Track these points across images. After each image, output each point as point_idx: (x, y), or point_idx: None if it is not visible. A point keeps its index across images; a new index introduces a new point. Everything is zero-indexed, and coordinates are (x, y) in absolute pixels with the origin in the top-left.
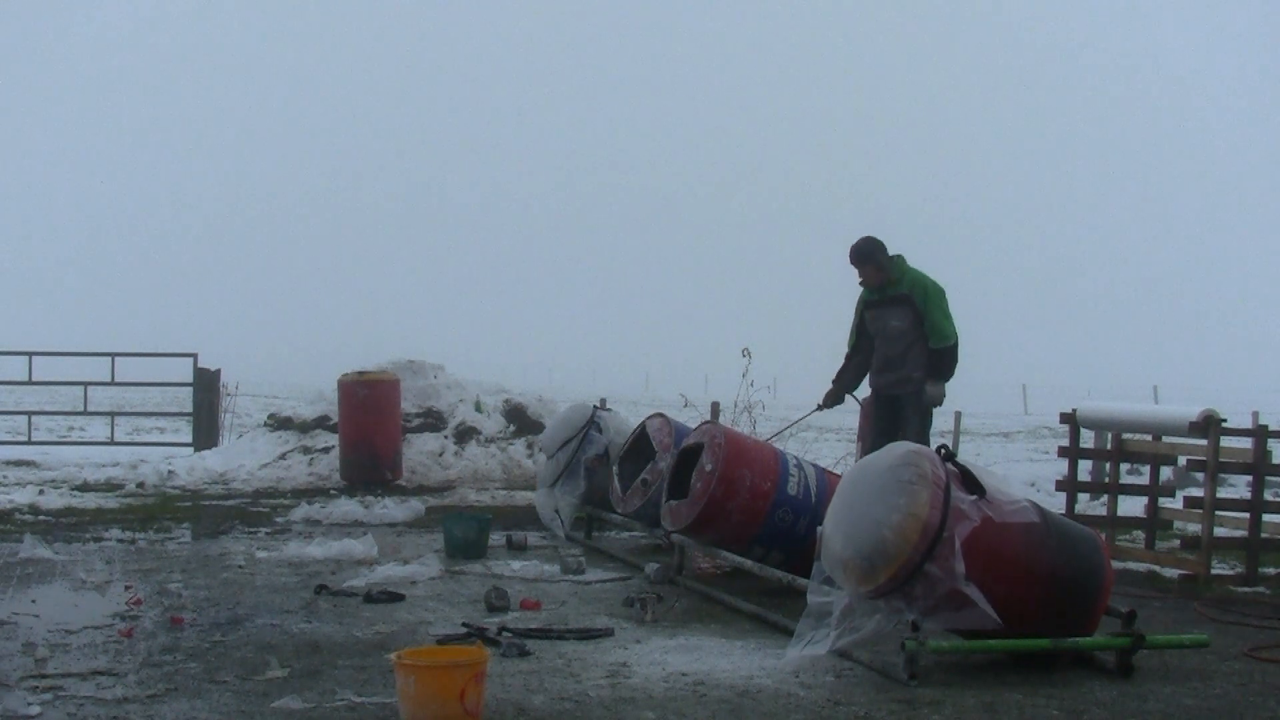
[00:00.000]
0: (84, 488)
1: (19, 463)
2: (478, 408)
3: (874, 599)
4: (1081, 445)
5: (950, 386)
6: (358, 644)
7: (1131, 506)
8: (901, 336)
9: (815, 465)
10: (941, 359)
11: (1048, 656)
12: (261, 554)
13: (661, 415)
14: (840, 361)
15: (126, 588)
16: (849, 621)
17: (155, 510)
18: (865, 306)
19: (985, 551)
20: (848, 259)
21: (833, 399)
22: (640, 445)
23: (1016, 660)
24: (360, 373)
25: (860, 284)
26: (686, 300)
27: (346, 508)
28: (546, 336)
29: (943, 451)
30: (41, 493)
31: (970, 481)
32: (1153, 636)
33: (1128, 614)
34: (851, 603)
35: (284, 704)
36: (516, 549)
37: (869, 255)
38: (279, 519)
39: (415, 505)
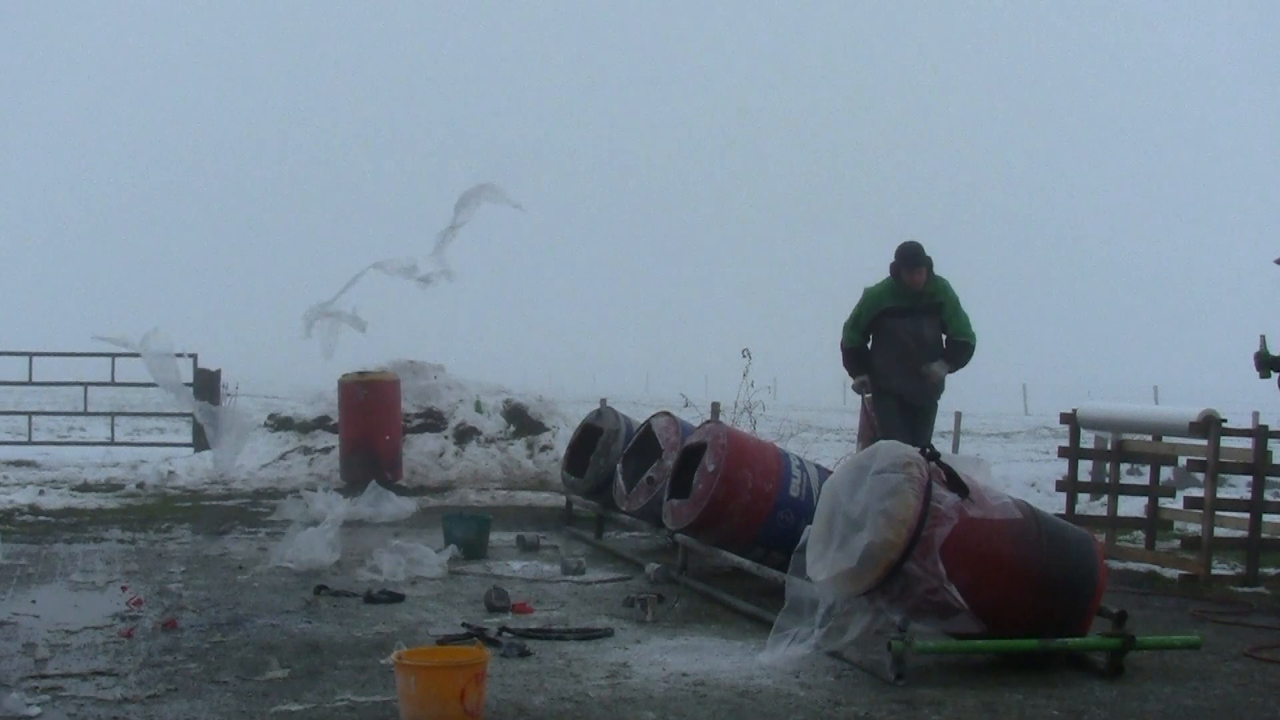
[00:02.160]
0: (84, 488)
1: (19, 463)
2: (478, 408)
3: (859, 598)
4: (1081, 445)
5: (950, 386)
6: (358, 644)
7: (1131, 507)
8: (935, 345)
9: (818, 466)
10: (961, 350)
11: (1040, 657)
12: (262, 554)
13: (668, 414)
14: (837, 352)
15: (124, 589)
16: (835, 621)
17: (155, 510)
18: (886, 314)
19: (973, 553)
20: (900, 259)
21: (868, 389)
22: (644, 443)
23: (1015, 661)
24: (360, 373)
25: (910, 283)
26: (686, 300)
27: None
28: (546, 336)
29: (927, 451)
30: (42, 493)
31: (955, 482)
32: (1143, 637)
33: (1118, 615)
34: (837, 601)
35: (284, 704)
36: (529, 549)
37: (925, 258)
38: (279, 519)
39: (415, 505)
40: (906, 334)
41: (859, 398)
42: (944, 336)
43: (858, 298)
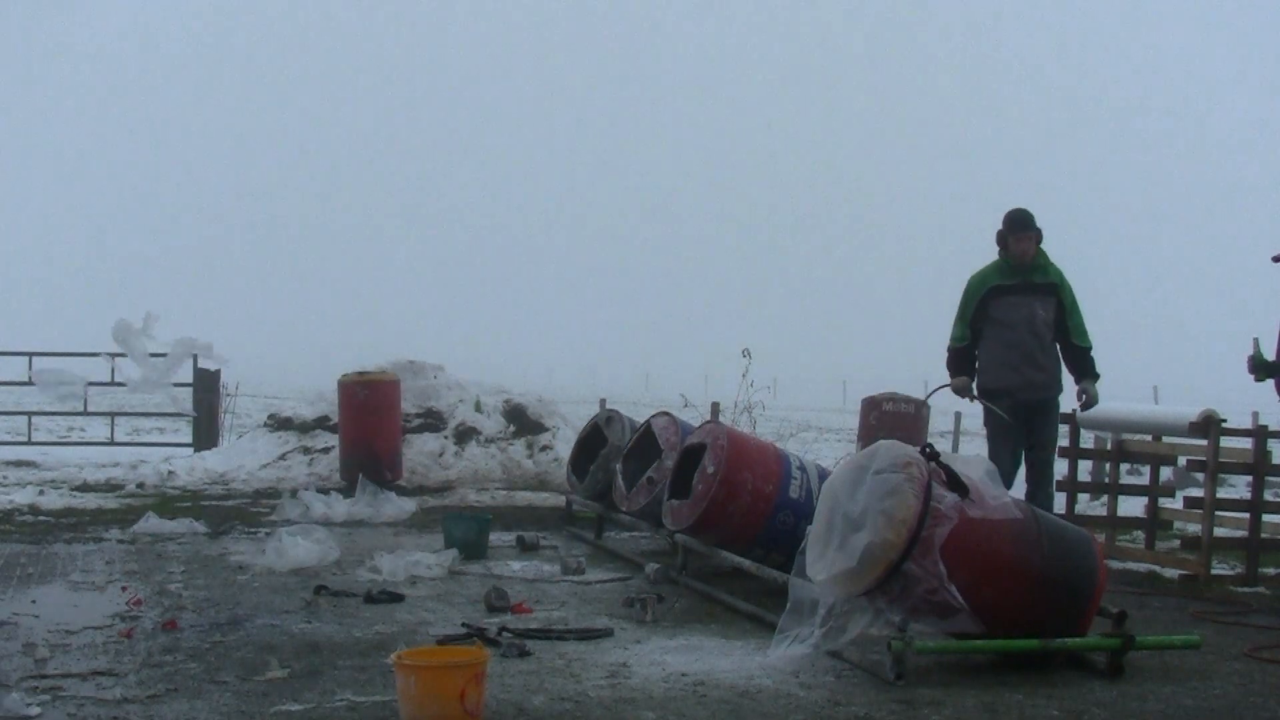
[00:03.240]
0: (84, 488)
1: (19, 463)
2: (477, 408)
3: (859, 598)
4: (1081, 445)
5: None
6: (358, 644)
7: (1131, 507)
8: (1048, 330)
9: (819, 466)
10: (1091, 361)
11: (1040, 657)
12: (261, 554)
13: (667, 414)
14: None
15: (124, 589)
16: (835, 621)
17: (155, 510)
18: (994, 292)
19: (973, 553)
20: (1008, 225)
21: (970, 392)
22: (644, 443)
23: (1015, 661)
24: (360, 373)
25: (1010, 257)
26: (686, 300)
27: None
28: (546, 336)
29: (927, 450)
30: (42, 493)
31: (955, 482)
32: (1143, 637)
33: (1118, 615)
34: (836, 602)
35: (284, 704)
36: (529, 549)
37: (1033, 222)
38: (279, 519)
39: (415, 505)
40: (1019, 316)
41: (859, 397)
42: (1059, 343)
43: (959, 295)
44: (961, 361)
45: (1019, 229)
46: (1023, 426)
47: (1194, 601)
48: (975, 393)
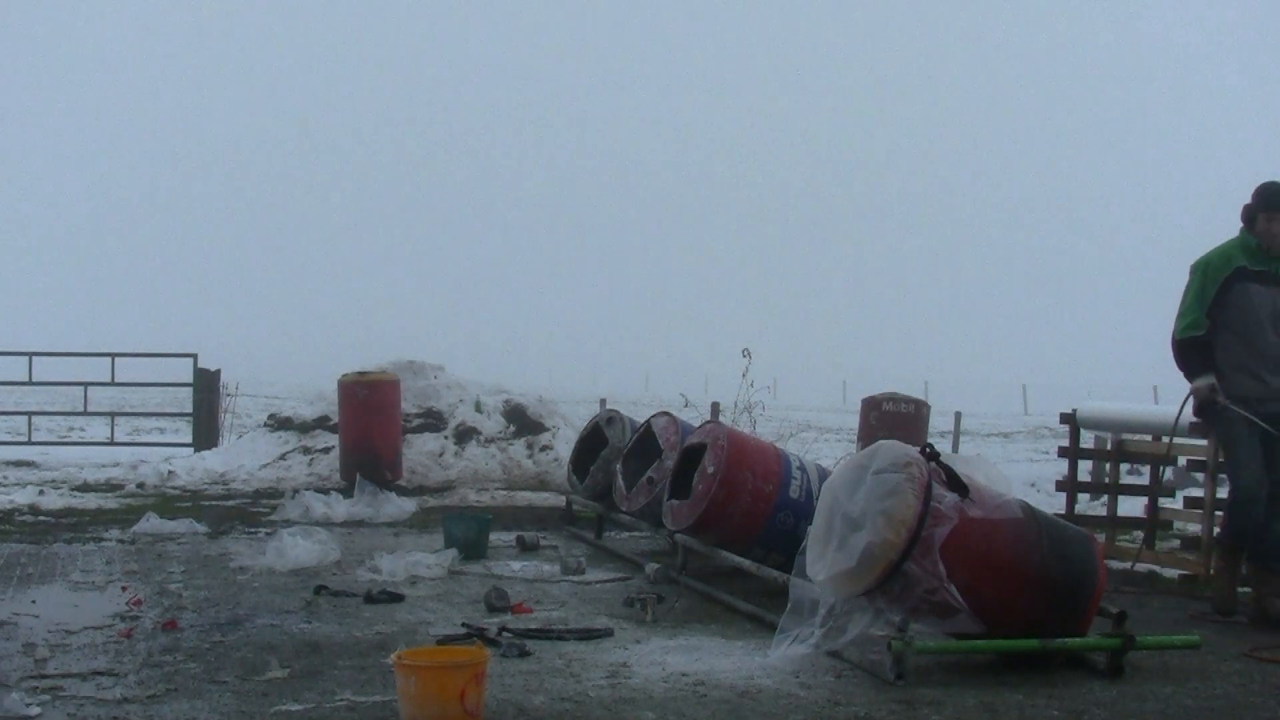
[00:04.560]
0: (84, 488)
1: (19, 463)
2: (478, 408)
3: (858, 598)
4: (1081, 445)
5: (950, 386)
6: (358, 644)
7: (1131, 506)
8: None
9: (819, 466)
10: None
11: (1040, 657)
12: (261, 554)
13: (668, 413)
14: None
15: (124, 589)
16: (835, 621)
17: (155, 510)
18: (1238, 276)
19: (973, 553)
20: (1264, 200)
21: (1218, 396)
22: (644, 443)
23: (1015, 661)
24: (360, 373)
25: (1257, 236)
26: (686, 300)
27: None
28: (546, 336)
29: (927, 450)
30: (42, 493)
31: (955, 482)
32: (1143, 637)
33: (1118, 615)
34: (837, 602)
35: (284, 704)
36: (529, 549)
37: None
38: (279, 519)
39: (415, 505)
40: (1264, 311)
41: (859, 397)
42: None
43: (1186, 279)
44: (1202, 356)
45: (1272, 206)
46: (1265, 434)
47: (1194, 601)
48: (1222, 398)
